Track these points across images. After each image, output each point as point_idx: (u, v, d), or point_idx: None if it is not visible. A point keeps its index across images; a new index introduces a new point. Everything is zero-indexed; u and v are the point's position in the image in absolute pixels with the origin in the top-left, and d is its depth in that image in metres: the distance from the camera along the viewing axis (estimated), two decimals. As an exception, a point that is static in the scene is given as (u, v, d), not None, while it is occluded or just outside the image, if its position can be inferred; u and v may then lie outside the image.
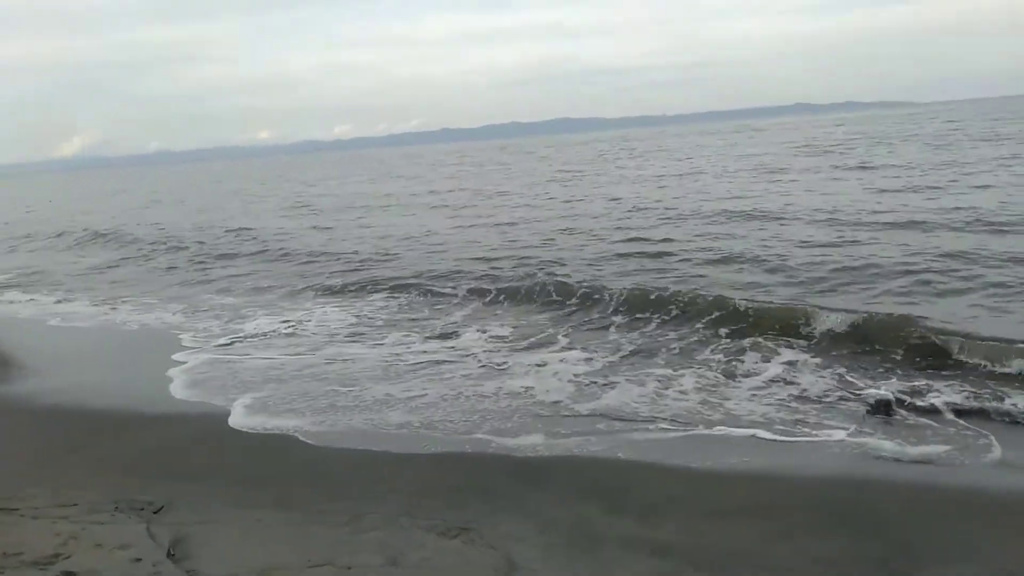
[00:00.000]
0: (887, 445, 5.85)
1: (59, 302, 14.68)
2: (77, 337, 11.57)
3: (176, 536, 4.83)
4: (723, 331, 9.19)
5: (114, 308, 13.58)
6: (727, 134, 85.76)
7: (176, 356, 9.71)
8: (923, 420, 6.30)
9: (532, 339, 9.68)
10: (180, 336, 10.92)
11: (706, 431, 6.39)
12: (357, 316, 11.71)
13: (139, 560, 4.51)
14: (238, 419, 7.28)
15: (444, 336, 10.11)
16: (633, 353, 8.78)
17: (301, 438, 6.74)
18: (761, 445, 6.05)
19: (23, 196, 71.82)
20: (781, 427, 6.36)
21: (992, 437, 5.86)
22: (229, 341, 10.47)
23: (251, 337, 10.65)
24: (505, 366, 8.54)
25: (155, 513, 5.26)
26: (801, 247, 13.75)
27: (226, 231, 24.27)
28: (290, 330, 10.96)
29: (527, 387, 7.72)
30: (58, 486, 5.82)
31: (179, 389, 8.33)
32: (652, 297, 10.71)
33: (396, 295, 12.95)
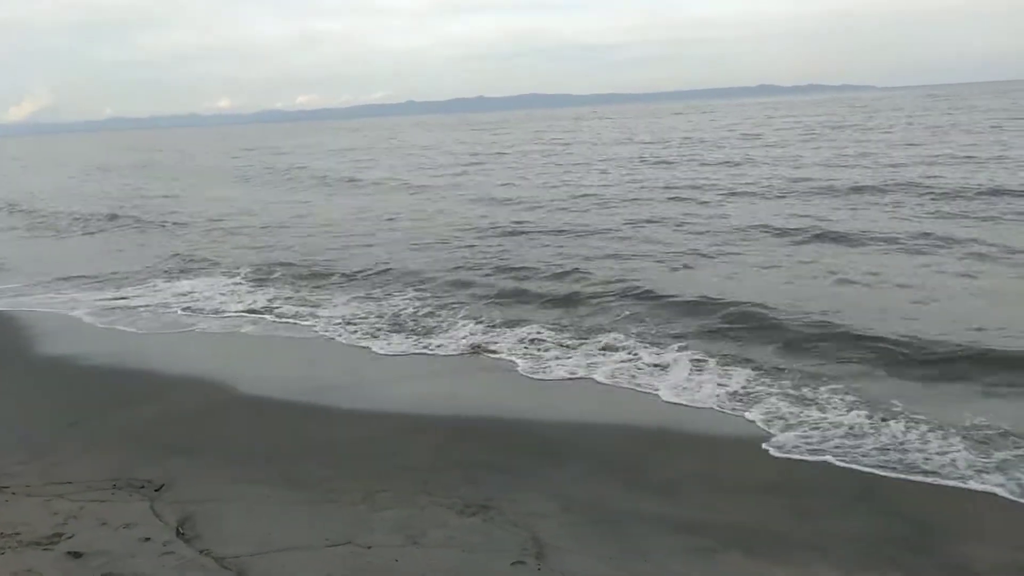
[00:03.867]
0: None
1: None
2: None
3: (183, 515, 4.64)
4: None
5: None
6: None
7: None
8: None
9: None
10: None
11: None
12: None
13: (148, 539, 4.32)
14: (237, 390, 7.08)
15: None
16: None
17: (303, 407, 6.58)
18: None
19: None
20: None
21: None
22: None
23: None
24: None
25: (156, 491, 5.05)
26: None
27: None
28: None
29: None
30: (48, 463, 5.57)
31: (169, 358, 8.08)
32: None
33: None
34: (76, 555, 4.15)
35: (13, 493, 5.00)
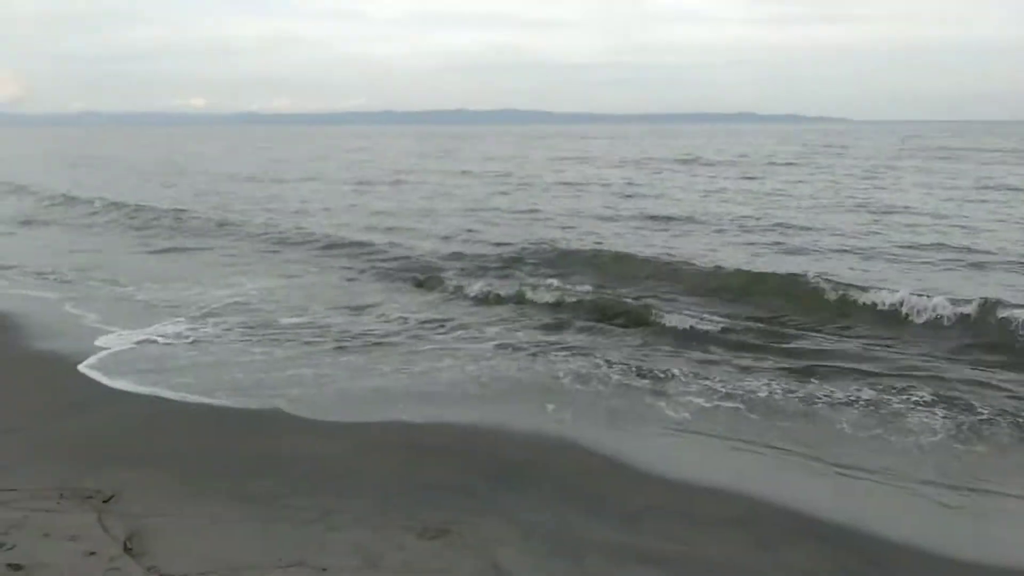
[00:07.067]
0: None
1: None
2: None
3: (131, 529, 4.49)
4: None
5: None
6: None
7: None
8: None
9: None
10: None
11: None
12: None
13: (93, 554, 4.18)
14: (187, 398, 6.90)
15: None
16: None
17: (257, 418, 6.44)
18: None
19: None
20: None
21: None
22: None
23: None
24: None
25: (104, 502, 4.89)
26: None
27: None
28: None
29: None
30: (-9, 469, 5.37)
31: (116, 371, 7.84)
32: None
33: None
34: (16, 567, 3.99)
35: (-48, 500, 4.80)
